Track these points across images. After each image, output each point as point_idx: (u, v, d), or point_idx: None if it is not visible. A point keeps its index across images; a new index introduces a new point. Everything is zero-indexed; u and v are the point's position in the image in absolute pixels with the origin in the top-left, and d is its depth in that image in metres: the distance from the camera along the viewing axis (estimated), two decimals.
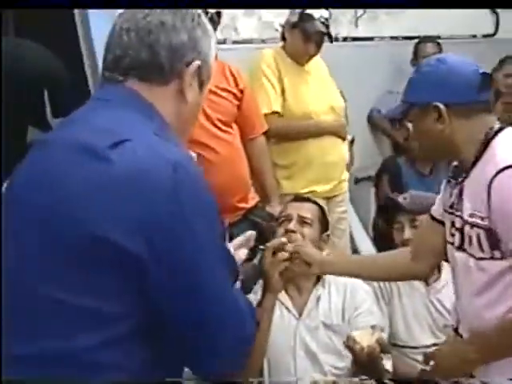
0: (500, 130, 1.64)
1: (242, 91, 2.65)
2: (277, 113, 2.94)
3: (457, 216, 1.68)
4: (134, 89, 1.15)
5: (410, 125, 1.86)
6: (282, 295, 2.26)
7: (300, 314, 2.24)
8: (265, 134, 2.83)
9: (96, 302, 1.04)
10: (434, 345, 2.43)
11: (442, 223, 1.78)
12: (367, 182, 3.94)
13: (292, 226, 2.25)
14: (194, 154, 1.44)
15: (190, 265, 1.06)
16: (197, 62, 1.17)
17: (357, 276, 2.13)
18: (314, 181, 3.01)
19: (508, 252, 1.55)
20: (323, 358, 2.16)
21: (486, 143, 1.61)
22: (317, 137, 2.97)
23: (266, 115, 2.89)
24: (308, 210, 2.32)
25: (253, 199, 2.67)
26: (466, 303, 1.72)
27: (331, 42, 3.00)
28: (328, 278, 2.28)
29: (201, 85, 1.21)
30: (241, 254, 1.46)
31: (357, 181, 4.09)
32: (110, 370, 1.06)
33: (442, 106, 1.61)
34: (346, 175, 3.19)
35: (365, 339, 1.95)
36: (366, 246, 3.56)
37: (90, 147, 1.07)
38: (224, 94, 2.59)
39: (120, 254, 1.03)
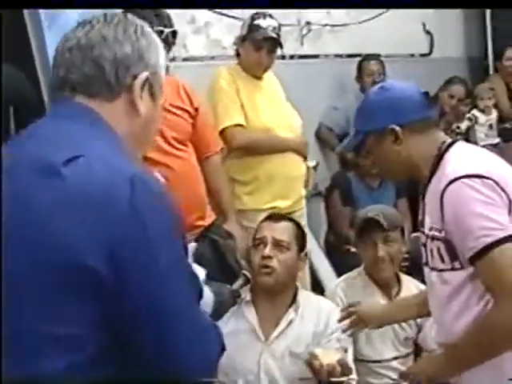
0: (452, 143, 1.71)
1: (196, 109, 2.63)
2: (240, 125, 2.94)
3: (422, 232, 1.72)
4: (85, 104, 1.13)
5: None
6: (251, 312, 2.23)
7: (267, 338, 2.19)
8: (222, 150, 2.83)
9: (59, 327, 1.01)
10: (395, 358, 2.49)
11: None
12: (317, 197, 3.98)
13: (268, 251, 2.20)
14: (162, 178, 1.42)
15: (155, 285, 1.03)
16: (145, 74, 1.15)
17: (414, 318, 2.24)
18: (277, 196, 3.01)
19: (465, 262, 1.59)
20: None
21: (439, 157, 1.68)
22: (280, 152, 2.99)
23: (227, 128, 2.89)
24: (284, 231, 2.27)
25: (210, 217, 2.64)
26: (435, 318, 1.76)
27: (282, 48, 3.04)
28: (301, 301, 2.24)
29: (153, 96, 1.18)
30: (198, 272, 1.41)
31: (312, 195, 4.14)
32: None
33: (397, 128, 1.69)
34: (303, 191, 3.22)
35: (326, 357, 1.95)
36: (320, 258, 3.60)
37: (45, 164, 1.04)
38: (179, 112, 2.57)
39: (83, 275, 1.00)
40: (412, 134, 1.69)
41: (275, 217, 2.38)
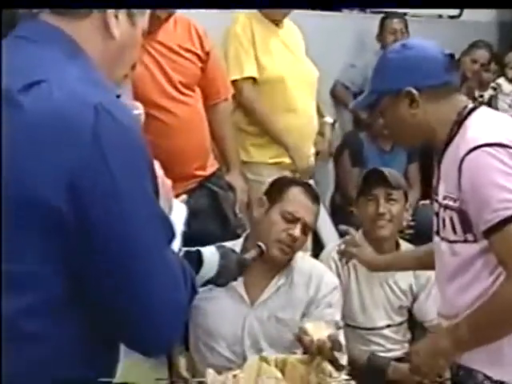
0: (473, 109, 1.62)
1: (207, 53, 2.52)
2: (251, 78, 2.83)
3: (436, 200, 1.65)
4: (53, 23, 1.03)
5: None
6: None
7: (253, 302, 2.11)
8: (232, 97, 2.72)
9: (22, 265, 0.95)
10: (388, 326, 2.43)
11: None
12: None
13: (297, 232, 2.07)
14: (140, 111, 1.31)
15: (115, 219, 0.95)
16: None
17: (414, 269, 2.21)
18: (283, 152, 2.91)
19: (479, 234, 1.51)
20: (269, 353, 2.00)
21: (459, 123, 1.59)
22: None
23: (237, 81, 2.78)
24: (316, 216, 2.16)
25: (211, 166, 2.55)
26: (441, 289, 1.69)
27: None
28: (295, 266, 2.15)
29: (131, 19, 1.08)
30: (179, 209, 1.30)
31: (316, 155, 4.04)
32: (33, 340, 0.97)
33: (414, 91, 1.60)
34: (313, 149, 3.12)
35: (316, 332, 1.87)
36: (323, 219, 3.51)
37: (4, 92, 0.96)
38: (188, 54, 2.46)
39: (42, 211, 0.93)
40: (430, 98, 1.61)
41: (311, 194, 2.16)
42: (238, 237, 2.42)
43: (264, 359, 1.81)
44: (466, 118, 1.59)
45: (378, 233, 2.41)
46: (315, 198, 2.16)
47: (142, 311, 0.99)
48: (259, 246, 1.83)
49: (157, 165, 1.16)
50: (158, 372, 2.02)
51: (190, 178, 2.43)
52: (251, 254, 1.75)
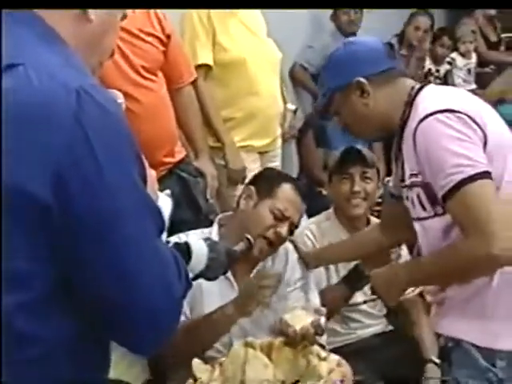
0: (421, 88, 1.65)
1: (168, 36, 2.46)
2: (206, 65, 2.78)
3: (404, 186, 1.65)
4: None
5: None
6: None
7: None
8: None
9: (7, 261, 0.89)
10: (365, 302, 2.42)
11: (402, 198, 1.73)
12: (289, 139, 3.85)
13: (284, 231, 2.01)
14: (121, 100, 1.25)
15: (101, 206, 0.90)
16: None
17: (348, 260, 2.22)
18: (253, 134, 2.89)
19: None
20: (254, 334, 1.97)
21: (410, 104, 1.62)
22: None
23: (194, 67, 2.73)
24: (300, 214, 2.10)
25: (179, 153, 2.50)
26: None
27: None
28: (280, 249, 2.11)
29: None
30: (165, 202, 1.26)
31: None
32: (23, 339, 0.92)
33: (363, 80, 1.66)
34: (279, 130, 3.09)
35: (298, 321, 1.84)
36: None
37: None
38: (149, 38, 2.39)
39: (24, 201, 0.88)
40: (378, 85, 1.66)
41: (300, 192, 2.11)
42: (211, 223, 2.40)
43: (250, 344, 1.79)
44: (415, 97, 1.62)
45: (352, 211, 2.39)
46: (303, 197, 2.13)
47: (135, 303, 0.94)
48: (248, 239, 1.79)
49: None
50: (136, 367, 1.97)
51: (160, 166, 2.38)
52: (240, 246, 1.73)
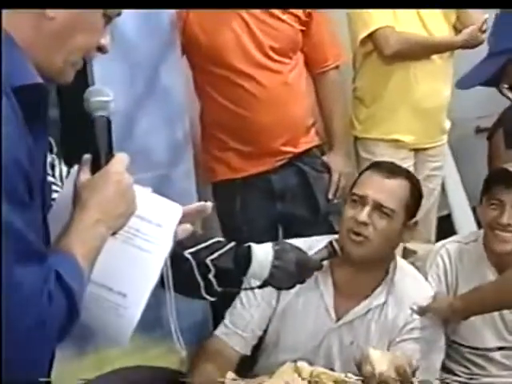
0: None
1: (309, 14, 2.24)
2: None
3: None
4: None
5: None
6: (326, 283, 1.81)
7: (338, 318, 1.80)
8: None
9: None
10: (500, 348, 2.00)
11: None
12: (483, 134, 3.37)
13: (364, 215, 1.72)
14: (109, 98, 1.08)
15: None
16: None
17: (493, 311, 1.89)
18: (402, 128, 2.52)
19: None
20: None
21: None
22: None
23: (377, 31, 2.38)
24: (393, 195, 1.76)
25: (306, 143, 2.28)
26: None
27: None
28: (396, 281, 1.82)
29: None
30: (180, 231, 1.12)
31: (478, 130, 3.54)
32: None
33: None
34: (446, 123, 2.67)
35: (381, 364, 1.54)
36: (462, 209, 3.07)
37: None
38: (284, 16, 2.19)
39: None
40: None
41: (387, 169, 1.83)
42: (331, 226, 2.17)
43: (299, 370, 1.58)
44: None
45: (496, 246, 1.95)
46: (391, 172, 1.80)
47: None
48: (331, 244, 1.57)
49: (120, 159, 1.01)
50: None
51: (277, 155, 2.22)
52: (321, 253, 1.53)
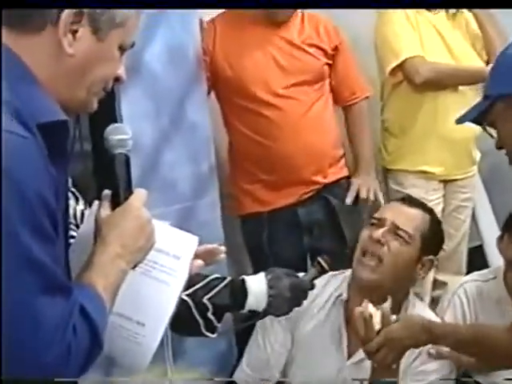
0: None
1: (335, 48, 2.29)
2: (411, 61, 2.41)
3: None
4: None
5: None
6: (340, 316, 1.77)
7: (350, 355, 1.75)
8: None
9: None
10: None
11: None
12: None
13: (380, 233, 1.73)
14: (127, 136, 1.11)
15: None
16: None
17: None
18: (431, 159, 2.50)
19: None
20: None
21: None
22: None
23: (407, 60, 2.38)
24: (411, 220, 1.77)
25: (334, 174, 2.30)
26: None
27: None
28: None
29: (96, 34, 0.95)
30: (194, 267, 1.14)
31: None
32: None
33: None
34: (476, 154, 2.64)
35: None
36: (494, 240, 3.00)
37: None
38: (311, 49, 2.25)
39: None
40: None
41: (408, 200, 1.90)
42: None
43: None
44: None
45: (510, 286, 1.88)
46: (409, 203, 1.84)
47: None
48: (319, 263, 1.54)
49: (138, 195, 1.02)
50: None
51: (303, 185, 2.24)
52: (311, 273, 1.51)
